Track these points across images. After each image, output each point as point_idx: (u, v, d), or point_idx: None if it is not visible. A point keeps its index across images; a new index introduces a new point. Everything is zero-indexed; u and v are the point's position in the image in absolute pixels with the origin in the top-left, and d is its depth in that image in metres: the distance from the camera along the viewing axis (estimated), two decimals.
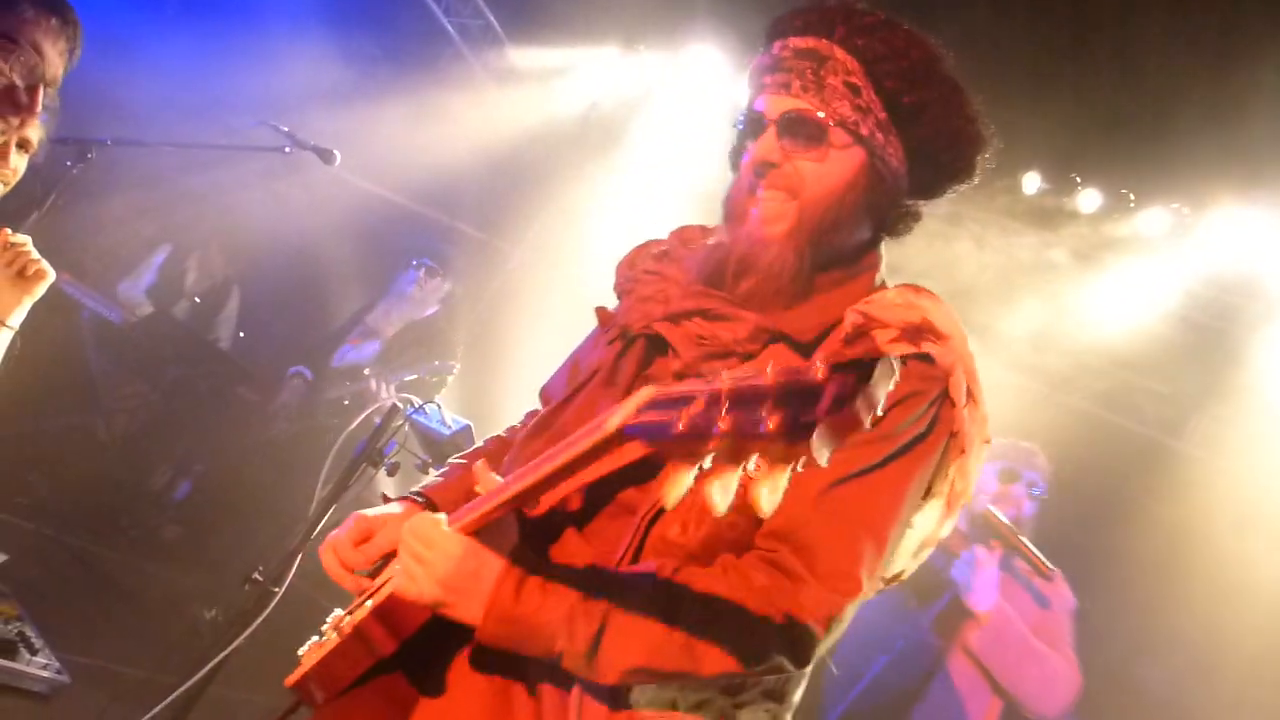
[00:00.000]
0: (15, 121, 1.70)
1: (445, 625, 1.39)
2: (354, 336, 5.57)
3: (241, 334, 6.36)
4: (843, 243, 1.54)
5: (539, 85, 6.99)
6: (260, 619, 2.74)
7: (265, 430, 5.69)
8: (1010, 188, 6.08)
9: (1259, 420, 6.03)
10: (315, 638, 1.69)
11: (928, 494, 1.47)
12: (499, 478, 1.42)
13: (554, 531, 1.47)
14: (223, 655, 2.70)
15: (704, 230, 1.69)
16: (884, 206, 1.55)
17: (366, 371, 5.01)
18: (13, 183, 2.29)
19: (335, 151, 4.28)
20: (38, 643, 3.37)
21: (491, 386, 7.26)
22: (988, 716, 3.61)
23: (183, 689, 2.66)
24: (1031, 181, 6.00)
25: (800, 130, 1.48)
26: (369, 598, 1.55)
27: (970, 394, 1.45)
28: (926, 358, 1.40)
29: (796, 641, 1.33)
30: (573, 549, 1.45)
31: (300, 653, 1.67)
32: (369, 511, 1.66)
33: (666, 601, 1.32)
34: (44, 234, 2.45)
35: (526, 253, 8.10)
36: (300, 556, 2.84)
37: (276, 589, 2.79)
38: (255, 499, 5.52)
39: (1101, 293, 5.99)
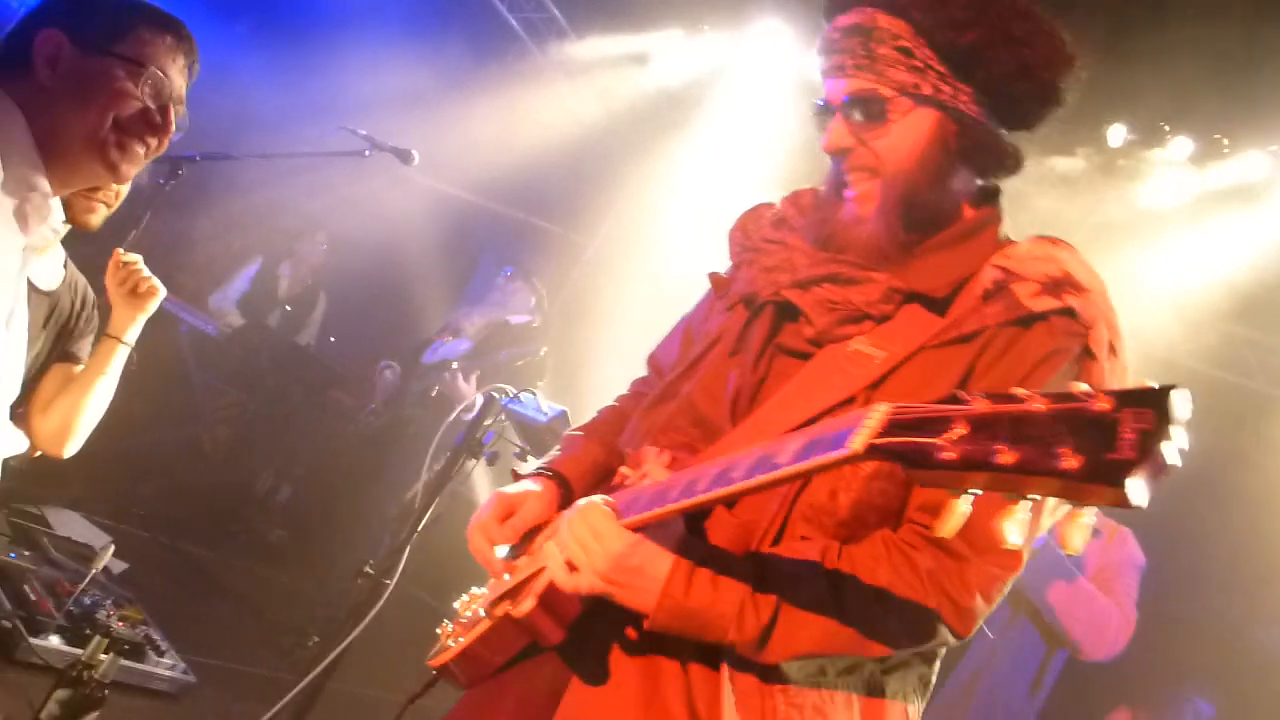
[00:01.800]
0: (154, 143, 1.76)
1: (597, 609, 1.41)
2: (445, 334, 5.73)
3: (333, 339, 6.51)
4: (939, 200, 1.50)
5: (606, 75, 7.00)
6: (374, 611, 2.79)
7: (357, 425, 5.82)
8: (1094, 140, 5.90)
9: None
10: (457, 617, 1.71)
11: None
12: (665, 470, 1.42)
13: (710, 509, 1.45)
14: (340, 648, 2.77)
15: (815, 193, 1.66)
16: (976, 151, 1.49)
17: (455, 365, 5.11)
18: (115, 205, 2.38)
19: (413, 151, 4.35)
20: (163, 645, 3.51)
21: (577, 376, 7.32)
22: (1043, 669, 3.66)
23: (300, 686, 2.73)
24: (1117, 133, 5.80)
25: (862, 110, 1.46)
26: (515, 578, 1.57)
27: (1112, 347, 1.40)
28: (1069, 312, 1.37)
29: (961, 619, 1.35)
30: (722, 518, 1.45)
31: (439, 630, 1.70)
32: (509, 489, 1.67)
33: (834, 590, 1.33)
34: (139, 251, 2.53)
35: (602, 244, 8.14)
36: (408, 549, 2.88)
37: (388, 581, 2.84)
38: (351, 497, 5.66)
39: (1199, 244, 5.76)
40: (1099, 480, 0.85)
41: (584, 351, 7.36)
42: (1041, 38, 1.45)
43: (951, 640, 1.37)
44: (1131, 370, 1.44)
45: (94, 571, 3.24)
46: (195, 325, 5.71)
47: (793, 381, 1.46)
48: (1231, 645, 6.02)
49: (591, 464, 1.72)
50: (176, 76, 1.78)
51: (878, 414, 1.04)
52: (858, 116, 1.47)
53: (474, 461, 2.98)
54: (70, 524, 4.19)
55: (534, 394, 3.00)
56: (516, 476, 1.76)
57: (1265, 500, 5.88)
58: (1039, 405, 0.91)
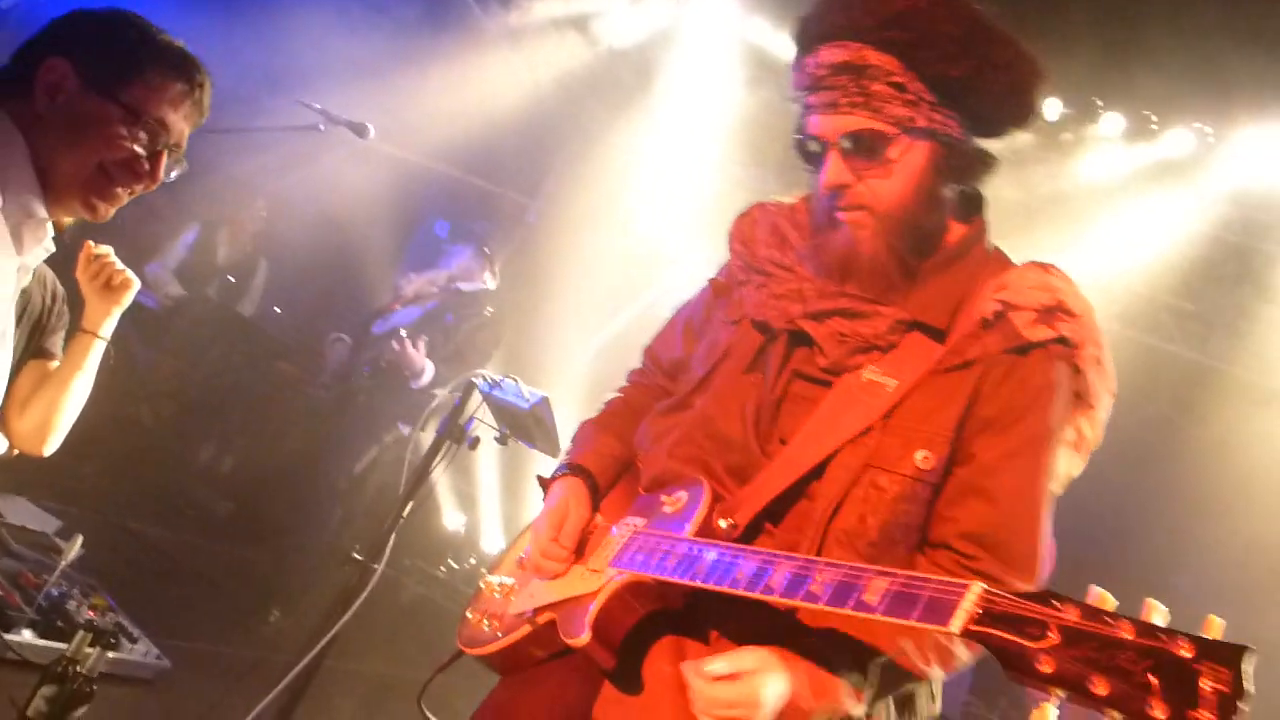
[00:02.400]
0: (138, 187, 1.77)
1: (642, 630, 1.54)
2: (395, 304, 5.58)
3: (277, 309, 6.40)
4: (932, 225, 1.60)
5: (552, 39, 6.93)
6: (364, 595, 2.83)
7: (307, 399, 5.76)
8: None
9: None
10: (481, 601, 1.84)
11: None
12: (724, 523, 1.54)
13: (755, 530, 1.57)
14: (332, 633, 2.80)
15: (810, 210, 1.71)
16: (962, 169, 1.58)
17: (403, 332, 5.00)
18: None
19: (368, 125, 4.29)
20: (135, 632, 3.49)
21: (524, 336, 7.31)
22: None
23: (297, 669, 2.76)
24: (1053, 107, 5.99)
25: (861, 147, 1.51)
26: (560, 592, 1.67)
27: (1098, 361, 1.54)
28: (1063, 340, 1.50)
29: None
30: (766, 538, 1.56)
31: (470, 615, 1.85)
32: (549, 506, 1.76)
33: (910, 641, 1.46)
34: (84, 231, 2.43)
35: (549, 205, 8.10)
36: (395, 534, 2.92)
37: (376, 565, 2.88)
38: (298, 468, 5.61)
39: (1127, 217, 6.02)
40: None
41: (530, 310, 7.35)
42: (1021, 61, 1.54)
43: (965, 665, 1.53)
44: (1109, 370, 1.58)
45: (63, 564, 3.20)
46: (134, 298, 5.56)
47: (817, 412, 1.56)
48: (1148, 592, 6.41)
49: (612, 458, 1.82)
50: (179, 123, 1.78)
51: (974, 595, 1.14)
52: (856, 154, 1.51)
53: (456, 447, 3.02)
54: (20, 511, 4.10)
55: (515, 380, 3.04)
56: (543, 483, 1.86)
57: (1182, 456, 6.24)
58: (1126, 633, 1.01)
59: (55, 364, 2.43)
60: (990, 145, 1.61)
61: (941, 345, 1.53)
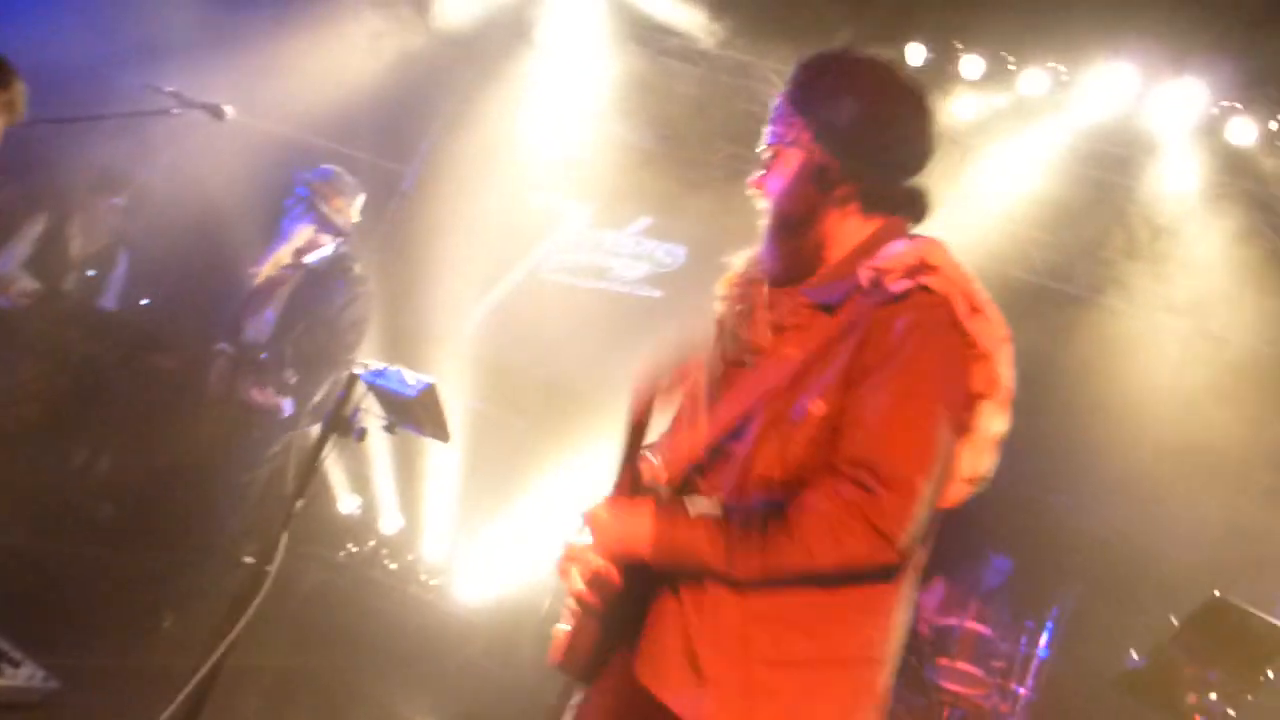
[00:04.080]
0: None
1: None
2: (251, 306, 4.85)
3: (145, 300, 6.10)
4: (806, 216, 1.89)
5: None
6: (259, 599, 2.77)
7: (196, 420, 5.44)
8: (897, 59, 6.19)
9: (1139, 262, 6.44)
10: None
11: (977, 398, 1.78)
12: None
13: (688, 485, 1.86)
14: (229, 640, 2.73)
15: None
16: (830, 184, 1.86)
17: (263, 356, 4.44)
18: None
19: (225, 106, 4.10)
20: (16, 655, 3.32)
21: (405, 308, 7.16)
22: None
23: (199, 676, 2.69)
24: (916, 52, 6.11)
25: (764, 161, 1.94)
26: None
27: (974, 306, 1.74)
28: (926, 289, 1.72)
29: (881, 538, 1.63)
30: (700, 490, 1.83)
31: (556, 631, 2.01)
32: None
33: (779, 520, 1.68)
34: None
35: (421, 171, 7.91)
36: (286, 535, 2.86)
37: (269, 568, 2.81)
38: (184, 465, 5.41)
39: (993, 158, 6.22)
40: None
41: (414, 284, 7.19)
42: (863, 94, 1.86)
43: (883, 557, 1.65)
44: (991, 317, 1.76)
45: None
46: None
47: (739, 384, 1.85)
48: (1027, 511, 6.74)
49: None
50: None
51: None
52: (763, 165, 1.94)
53: (342, 440, 2.95)
54: None
55: (398, 369, 2.98)
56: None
57: (1056, 383, 6.53)
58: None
59: None
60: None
61: (835, 317, 1.79)
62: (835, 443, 1.70)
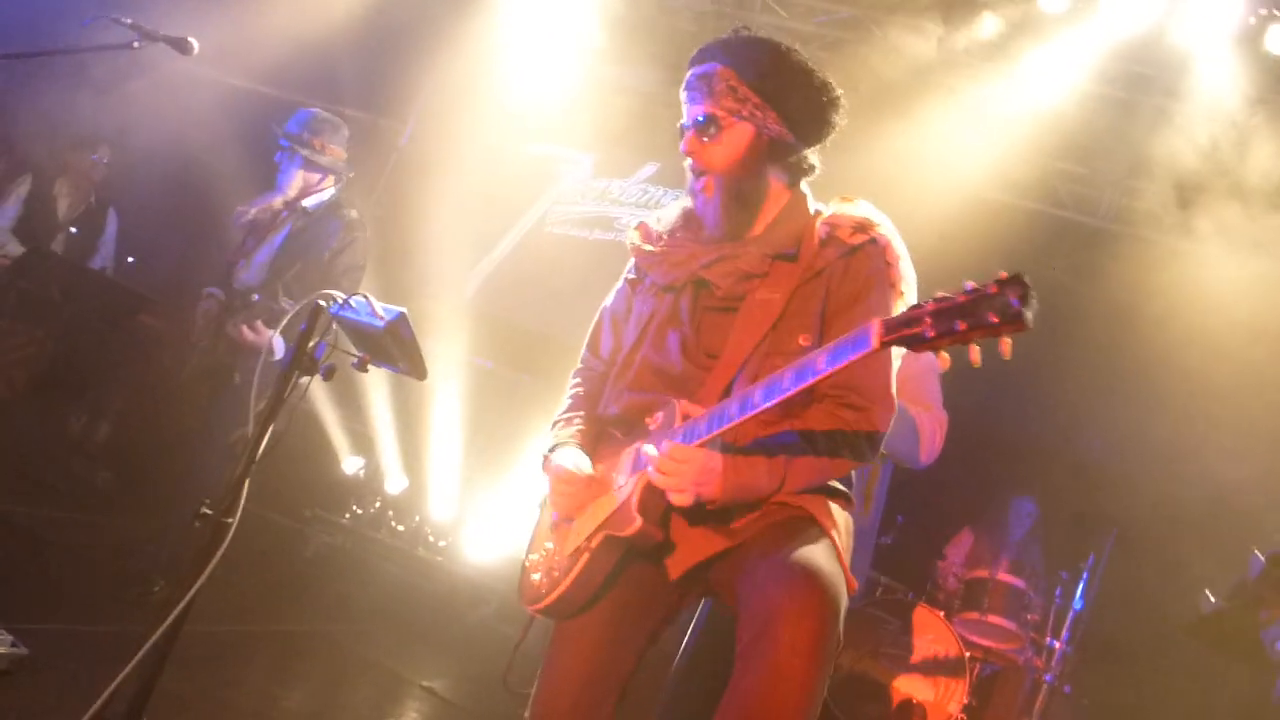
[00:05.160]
0: None
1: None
2: (243, 250, 4.63)
3: (131, 259, 5.93)
4: (757, 186, 2.25)
5: None
6: (220, 553, 2.57)
7: (181, 364, 5.32)
8: None
9: (1169, 190, 6.09)
10: (531, 572, 2.30)
11: None
12: (697, 408, 2.09)
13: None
14: (188, 597, 2.53)
15: (684, 209, 2.39)
16: (781, 155, 2.25)
17: (255, 298, 4.27)
18: None
19: (190, 39, 3.86)
20: None
21: (405, 265, 6.96)
22: (870, 483, 3.94)
23: (152, 640, 2.50)
24: None
25: (702, 126, 2.21)
26: (589, 522, 2.18)
27: (900, 255, 2.18)
28: (874, 241, 2.17)
29: (876, 441, 2.16)
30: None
31: (529, 578, 2.29)
32: (562, 463, 2.27)
33: (811, 445, 2.11)
34: None
35: (417, 125, 7.68)
36: (247, 482, 2.65)
37: (230, 519, 2.61)
38: (181, 428, 5.25)
39: (1009, 82, 5.88)
40: (1010, 322, 1.60)
41: (408, 238, 6.98)
42: (823, 86, 2.21)
43: (871, 458, 2.17)
44: (906, 262, 2.18)
45: None
46: None
47: (733, 331, 2.17)
48: (1051, 455, 6.48)
49: (588, 433, 2.37)
50: None
51: (876, 324, 1.77)
52: (699, 131, 2.22)
53: (307, 379, 2.73)
54: None
55: (365, 298, 2.75)
56: (545, 460, 2.34)
57: (1086, 320, 6.24)
58: (961, 297, 1.66)
59: None
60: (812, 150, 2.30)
61: (797, 265, 2.17)
62: None
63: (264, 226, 4.56)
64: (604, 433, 2.34)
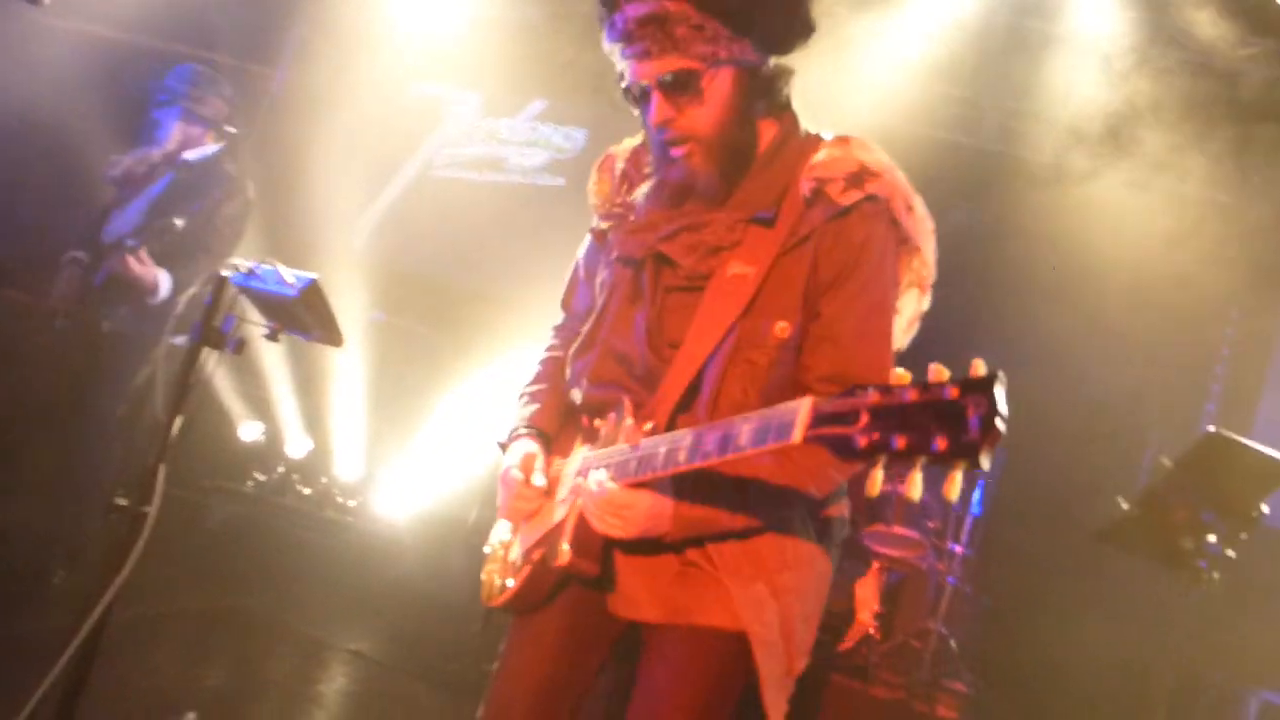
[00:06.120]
0: None
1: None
2: (115, 204, 4.47)
3: None
4: (749, 138, 1.86)
5: None
6: (141, 545, 2.44)
7: (43, 331, 4.98)
8: None
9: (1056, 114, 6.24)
10: (493, 559, 2.09)
11: (907, 286, 1.89)
12: (638, 432, 1.76)
13: (672, 426, 1.81)
14: (111, 592, 2.41)
15: (645, 151, 2.00)
16: (764, 86, 1.86)
17: (129, 243, 4.03)
18: None
19: None
20: None
21: (286, 220, 6.66)
22: None
23: (78, 641, 2.37)
24: None
25: (676, 85, 1.78)
26: (538, 529, 1.97)
27: (909, 207, 1.81)
28: (872, 197, 1.77)
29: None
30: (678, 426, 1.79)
31: (484, 576, 2.10)
32: (514, 459, 2.00)
33: (784, 458, 1.71)
34: None
35: (292, 69, 7.30)
36: (162, 469, 2.51)
37: (147, 508, 2.47)
38: (56, 408, 4.95)
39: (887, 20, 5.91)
40: (961, 457, 1.21)
41: (293, 195, 6.69)
42: None
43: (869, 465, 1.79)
44: (921, 213, 1.84)
45: None
46: None
47: (699, 313, 1.81)
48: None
49: (554, 411, 2.09)
50: None
51: (805, 408, 1.40)
52: (673, 92, 1.78)
53: (216, 353, 2.58)
54: None
55: (273, 265, 2.61)
56: (502, 447, 2.08)
57: (966, 238, 6.40)
58: (911, 396, 1.26)
59: None
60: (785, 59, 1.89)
61: (777, 231, 1.79)
62: (805, 361, 1.79)
63: (140, 178, 4.39)
64: (571, 417, 2.07)
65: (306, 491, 6.13)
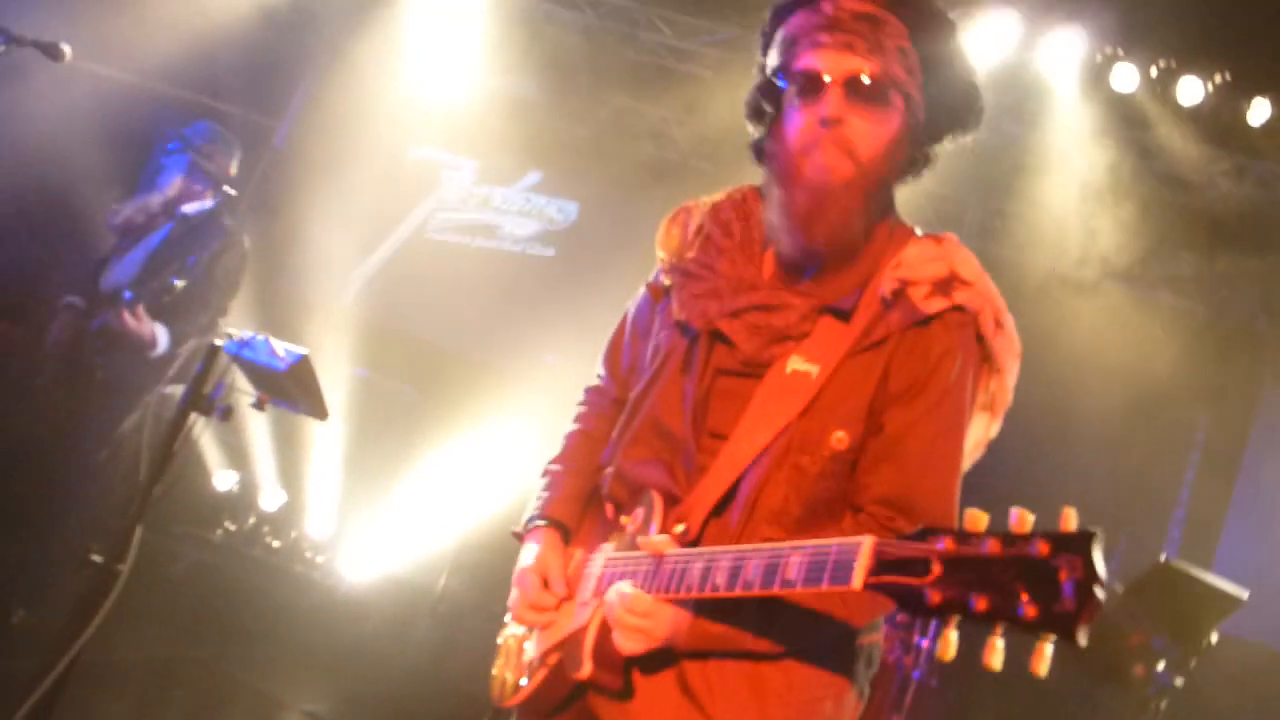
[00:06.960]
0: None
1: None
2: (114, 252, 4.50)
3: None
4: (889, 195, 1.67)
5: None
6: (111, 600, 2.48)
7: (33, 375, 5.01)
8: None
9: (1034, 210, 6.46)
10: (503, 651, 1.91)
11: (981, 410, 1.69)
12: (670, 541, 1.58)
13: (705, 532, 1.64)
14: (77, 647, 2.44)
15: (737, 206, 1.79)
16: (910, 160, 1.67)
17: (126, 295, 4.02)
18: None
19: (62, 45, 3.67)
20: None
21: (280, 272, 6.75)
22: None
23: (46, 684, 2.39)
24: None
25: (866, 92, 1.57)
26: (557, 632, 1.78)
27: (997, 322, 1.63)
28: (960, 308, 1.58)
29: None
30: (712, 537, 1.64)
31: (494, 670, 1.90)
32: (529, 561, 1.81)
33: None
34: None
35: (293, 126, 7.45)
36: (139, 529, 2.55)
37: (121, 566, 2.51)
38: (36, 445, 4.95)
39: None
40: (1052, 629, 1.05)
41: (288, 248, 6.79)
42: (969, 70, 1.68)
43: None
44: (1010, 331, 1.66)
45: None
46: None
47: (750, 407, 1.62)
48: (1032, 499, 6.77)
49: (578, 499, 1.88)
50: None
51: (866, 550, 1.23)
52: (859, 96, 1.57)
53: (204, 419, 2.65)
54: None
55: (266, 338, 2.69)
56: (517, 536, 1.90)
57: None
58: (993, 550, 1.10)
59: None
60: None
61: (850, 326, 1.61)
62: (861, 479, 1.60)
63: (139, 228, 4.47)
64: (597, 499, 1.87)
65: (276, 544, 6.12)
